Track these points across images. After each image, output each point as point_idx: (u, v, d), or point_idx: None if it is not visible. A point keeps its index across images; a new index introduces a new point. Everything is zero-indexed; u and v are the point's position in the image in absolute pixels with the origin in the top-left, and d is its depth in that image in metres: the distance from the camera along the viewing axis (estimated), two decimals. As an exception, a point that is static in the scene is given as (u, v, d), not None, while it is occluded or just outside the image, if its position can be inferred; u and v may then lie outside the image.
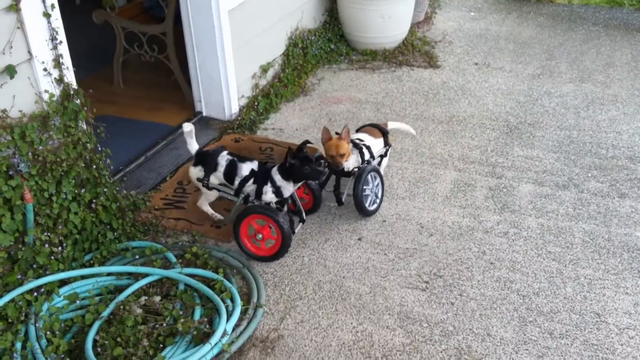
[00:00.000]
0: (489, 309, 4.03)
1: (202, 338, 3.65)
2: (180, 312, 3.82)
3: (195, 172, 4.51)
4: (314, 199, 4.83)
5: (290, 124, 6.26)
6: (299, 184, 4.42)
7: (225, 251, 4.52)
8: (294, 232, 4.51)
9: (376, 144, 4.95)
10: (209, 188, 4.52)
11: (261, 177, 4.32)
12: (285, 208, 4.50)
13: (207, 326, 3.75)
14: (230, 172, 4.37)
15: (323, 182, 4.91)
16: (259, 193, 4.33)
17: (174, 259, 4.31)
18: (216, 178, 4.46)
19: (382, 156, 5.05)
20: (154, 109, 6.45)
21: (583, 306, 4.03)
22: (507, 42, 8.14)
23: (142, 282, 4.08)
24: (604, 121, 6.16)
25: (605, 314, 3.97)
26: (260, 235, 4.34)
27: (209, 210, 4.77)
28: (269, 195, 4.31)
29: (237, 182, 4.37)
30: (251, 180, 4.33)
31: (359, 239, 4.67)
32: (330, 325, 3.95)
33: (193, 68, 6.13)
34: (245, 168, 4.35)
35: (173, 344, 3.64)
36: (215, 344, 3.58)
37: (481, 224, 4.77)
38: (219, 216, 4.78)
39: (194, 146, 4.52)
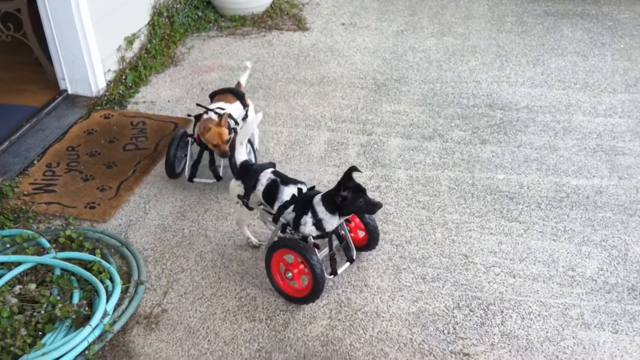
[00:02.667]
0: (365, 262, 4.20)
1: (82, 321, 3.60)
2: (58, 298, 3.73)
3: (235, 187, 4.00)
4: (369, 233, 4.11)
5: (162, 96, 6.15)
6: (346, 217, 3.79)
7: (101, 231, 4.44)
8: (336, 273, 3.93)
9: (234, 109, 4.80)
10: (249, 208, 4.01)
11: (301, 204, 3.72)
12: (335, 242, 3.94)
13: (87, 309, 3.69)
14: (271, 193, 3.82)
15: (197, 159, 4.77)
16: (296, 223, 3.72)
17: (47, 245, 4.19)
18: (256, 197, 3.95)
19: (244, 118, 4.92)
20: (15, 91, 6.15)
21: (452, 249, 4.29)
22: (372, 0, 8.31)
23: (15, 271, 3.94)
24: (464, 72, 6.48)
25: (472, 254, 4.25)
26: (289, 274, 3.79)
27: (246, 232, 4.31)
28: (308, 227, 3.69)
29: (276, 206, 3.80)
30: (291, 207, 3.76)
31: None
32: (214, 294, 3.99)
33: (52, 44, 5.87)
34: (287, 192, 3.77)
35: (53, 331, 3.57)
36: (97, 326, 3.55)
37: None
38: (256, 242, 4.32)
39: (241, 156, 4.02)
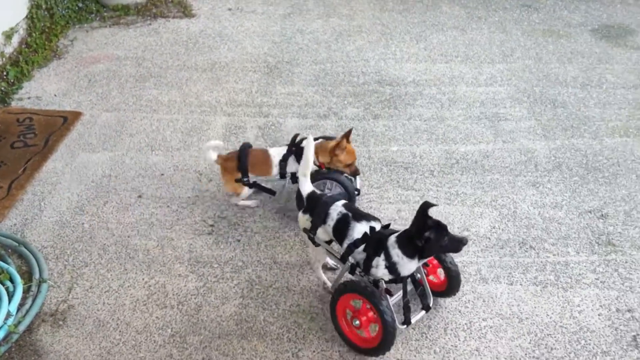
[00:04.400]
0: (272, 239, 4.27)
1: (-16, 325, 3.46)
2: (-45, 304, 3.56)
3: (303, 220, 3.63)
4: (450, 277, 3.62)
5: (48, 91, 5.92)
6: (426, 260, 3.31)
7: (-4, 233, 4.26)
8: (409, 323, 3.44)
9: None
10: (315, 243, 3.61)
11: (373, 245, 3.26)
12: (410, 287, 3.48)
13: (-11, 312, 3.55)
14: (340, 229, 3.42)
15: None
16: (367, 266, 3.28)
17: (-63, 251, 3.97)
18: (325, 233, 3.55)
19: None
20: None
21: (354, 220, 4.43)
22: (257, -15, 8.35)
23: None
24: (352, 51, 6.64)
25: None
26: (357, 321, 3.40)
27: (322, 276, 3.89)
28: (380, 271, 3.25)
29: (345, 244, 3.39)
30: (362, 246, 3.33)
31: (139, 197, 4.64)
32: (122, 285, 3.94)
33: None
34: (359, 229, 3.35)
35: (-48, 339, 3.41)
36: (0, 327, 3.41)
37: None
38: (329, 285, 3.88)
39: (306, 187, 3.66)
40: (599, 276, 3.95)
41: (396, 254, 3.17)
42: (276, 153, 4.29)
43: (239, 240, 4.26)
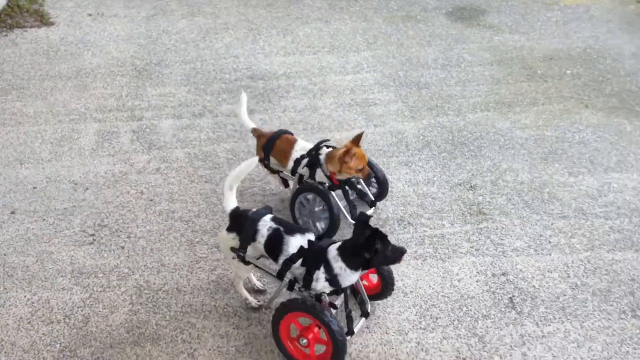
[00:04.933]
0: (157, 242, 4.22)
1: None
2: None
3: (228, 239, 3.45)
4: (384, 279, 3.60)
5: None
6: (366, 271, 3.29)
7: None
8: (352, 333, 3.37)
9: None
10: (245, 262, 3.47)
11: (313, 259, 3.16)
12: (340, 299, 3.38)
13: None
14: (273, 245, 3.30)
15: (347, 198, 4.15)
16: (308, 280, 3.17)
17: None
18: (255, 249, 3.41)
19: None
20: None
21: (239, 215, 4.46)
22: (117, -13, 8.14)
23: None
24: (221, 49, 6.65)
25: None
26: (305, 340, 3.26)
27: (243, 293, 3.74)
28: (320, 284, 3.16)
29: (281, 260, 3.27)
30: (299, 262, 3.22)
31: (12, 213, 4.44)
32: (2, 305, 3.76)
33: None
34: (294, 243, 3.24)
35: None
36: None
37: (133, 166, 4.89)
38: (255, 303, 3.76)
39: (230, 203, 3.45)
40: (473, 244, 4.21)
41: (339, 266, 3.10)
42: (299, 148, 4.16)
43: (122, 247, 4.18)
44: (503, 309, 3.74)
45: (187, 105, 5.68)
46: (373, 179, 4.29)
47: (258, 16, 7.39)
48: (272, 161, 4.28)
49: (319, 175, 4.05)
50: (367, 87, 5.98)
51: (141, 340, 3.58)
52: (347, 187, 4.15)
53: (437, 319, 3.68)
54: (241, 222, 3.38)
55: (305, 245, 3.20)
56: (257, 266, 3.47)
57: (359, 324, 3.50)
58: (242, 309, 3.75)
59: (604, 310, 3.72)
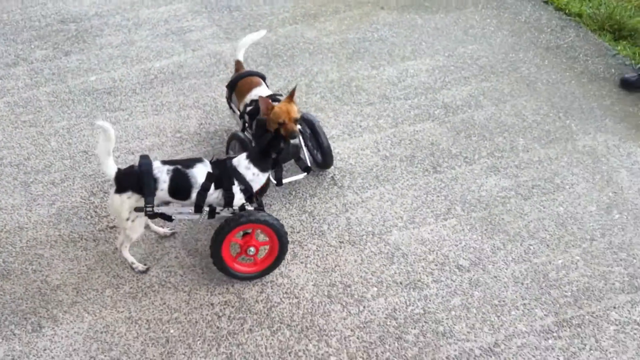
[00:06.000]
0: (-10, 189, 4.25)
1: None
2: None
3: (123, 200, 3.29)
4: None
5: None
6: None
7: None
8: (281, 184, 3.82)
9: (266, 93, 4.07)
10: (153, 216, 3.38)
11: (227, 177, 3.33)
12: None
13: None
14: (179, 185, 3.30)
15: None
16: (229, 198, 3.34)
17: None
18: (157, 199, 3.32)
19: None
20: None
21: (70, 151, 4.55)
22: None
23: None
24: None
25: (91, 148, 4.56)
26: (252, 249, 3.48)
27: (130, 257, 3.68)
28: (237, 197, 3.36)
29: (194, 194, 3.31)
30: (212, 187, 3.32)
31: None
32: None
33: None
34: (199, 174, 3.31)
35: None
36: None
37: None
38: (142, 267, 3.71)
39: (110, 167, 3.28)
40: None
41: (251, 173, 3.35)
42: (254, 94, 4.02)
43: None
44: (327, 187, 4.20)
45: (-3, 56, 5.56)
46: (314, 147, 4.22)
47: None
48: (234, 99, 4.27)
49: None
50: (181, 15, 6.13)
51: (-10, 278, 3.67)
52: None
53: (270, 205, 4.06)
54: (130, 180, 3.30)
55: (210, 171, 3.33)
56: (164, 215, 3.44)
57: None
58: (87, 233, 3.92)
59: (410, 172, 4.31)
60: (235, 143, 4.02)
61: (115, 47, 5.66)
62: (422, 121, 4.75)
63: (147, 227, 3.81)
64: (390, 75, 5.24)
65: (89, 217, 4.04)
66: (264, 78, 4.24)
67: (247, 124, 4.03)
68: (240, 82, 4.18)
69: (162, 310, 3.49)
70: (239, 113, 4.15)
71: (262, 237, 3.62)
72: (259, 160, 3.38)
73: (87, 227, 3.97)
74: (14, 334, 3.38)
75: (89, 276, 3.67)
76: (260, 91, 4.05)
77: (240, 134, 3.95)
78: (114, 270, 3.70)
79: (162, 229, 3.87)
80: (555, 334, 3.33)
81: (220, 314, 3.46)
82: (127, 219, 3.37)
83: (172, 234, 3.91)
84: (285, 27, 5.94)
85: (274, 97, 3.93)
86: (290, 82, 5.19)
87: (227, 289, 3.59)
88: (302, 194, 4.15)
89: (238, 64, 4.37)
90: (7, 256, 3.80)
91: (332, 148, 4.19)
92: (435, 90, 5.08)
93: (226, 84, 4.33)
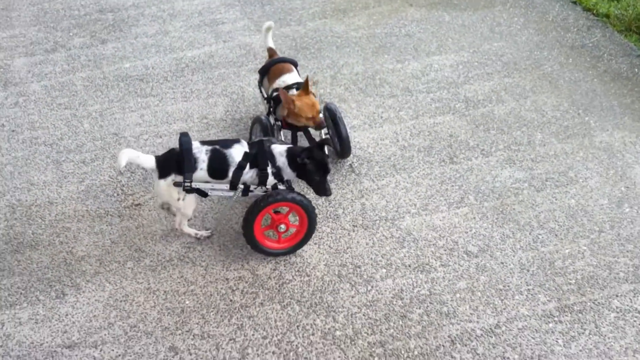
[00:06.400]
0: (25, 166, 4.46)
1: None
2: None
3: (168, 183, 3.47)
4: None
5: None
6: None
7: None
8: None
9: (296, 79, 4.27)
10: (191, 190, 3.52)
11: (262, 157, 3.49)
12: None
13: None
14: (218, 164, 3.47)
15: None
16: (264, 177, 3.51)
17: None
18: (196, 179, 3.48)
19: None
20: None
21: (102, 133, 4.76)
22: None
23: None
24: (67, -12, 6.75)
25: (122, 131, 4.77)
26: (283, 226, 3.65)
27: (191, 231, 3.87)
28: (270, 177, 3.53)
29: (231, 172, 3.49)
30: (248, 166, 3.49)
31: None
32: None
33: None
34: (236, 153, 3.48)
35: None
36: None
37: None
38: (205, 233, 3.92)
39: (148, 158, 3.46)
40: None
41: (282, 161, 3.50)
42: (282, 80, 4.19)
43: (-10, 173, 4.40)
44: (345, 174, 4.32)
45: (38, 43, 5.81)
46: (333, 136, 4.29)
47: (101, -44, 7.48)
48: (265, 84, 4.40)
49: (279, 112, 4.15)
50: (214, 8, 6.32)
51: (20, 248, 3.87)
52: (296, 134, 4.18)
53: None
54: (171, 163, 3.45)
55: (247, 151, 3.49)
56: (200, 191, 3.55)
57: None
58: (113, 209, 4.11)
59: (427, 162, 4.39)
60: (257, 126, 4.15)
61: (149, 37, 5.87)
62: (442, 114, 4.83)
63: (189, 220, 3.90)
64: (415, 70, 5.33)
65: (115, 194, 4.22)
66: (295, 65, 4.39)
67: (271, 109, 4.17)
68: (272, 67, 4.31)
69: (179, 282, 3.64)
70: (266, 96, 4.29)
71: (292, 220, 3.75)
72: (291, 155, 3.52)
73: (113, 204, 4.15)
74: (39, 300, 3.57)
75: (112, 249, 3.85)
76: (291, 77, 4.20)
77: (263, 118, 4.09)
78: (136, 245, 3.87)
79: (199, 231, 3.92)
80: (556, 319, 3.38)
81: (234, 288, 3.60)
82: (178, 199, 3.53)
83: (210, 236, 3.95)
84: (315, 21, 6.08)
85: (298, 85, 4.07)
86: (315, 73, 5.31)
87: (242, 265, 3.73)
88: (320, 179, 4.27)
89: (271, 50, 4.51)
90: (36, 228, 4.00)
91: (351, 138, 4.31)
92: (458, 84, 5.15)
93: (258, 69, 4.46)
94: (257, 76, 4.57)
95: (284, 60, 4.36)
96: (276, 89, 4.13)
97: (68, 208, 4.14)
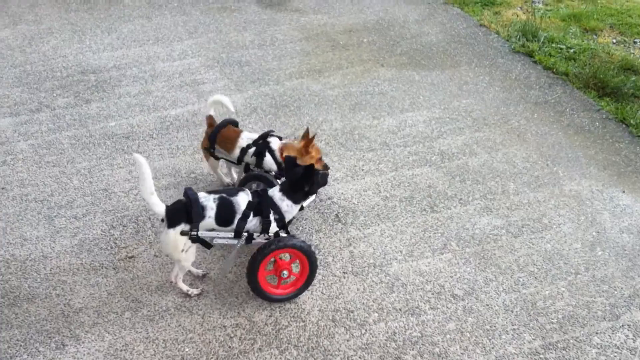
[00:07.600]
0: (16, 222, 4.54)
1: None
2: None
3: (177, 233, 3.55)
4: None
5: None
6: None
7: None
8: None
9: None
10: (196, 240, 3.60)
11: (265, 206, 3.62)
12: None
13: None
14: (225, 211, 3.59)
15: None
16: (267, 224, 3.64)
17: None
18: (203, 227, 3.59)
19: None
20: None
21: (92, 189, 4.88)
22: None
23: None
24: (49, 51, 6.92)
25: (111, 187, 4.89)
26: (285, 272, 3.78)
27: (184, 287, 3.95)
28: (272, 225, 3.66)
29: (236, 220, 3.61)
30: (251, 214, 3.62)
31: None
32: None
33: None
34: (242, 201, 3.62)
35: None
36: None
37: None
38: (196, 291, 3.99)
39: (158, 205, 3.54)
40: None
41: (286, 204, 3.68)
42: (246, 137, 4.37)
43: (-17, 229, 4.46)
44: (331, 223, 4.52)
45: (22, 103, 5.94)
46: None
47: (80, 19, 7.70)
48: (217, 149, 4.50)
49: (268, 163, 4.31)
50: (194, 69, 6.57)
51: (17, 302, 3.93)
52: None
53: (278, 241, 4.36)
54: (180, 213, 3.54)
55: (250, 199, 3.64)
56: (204, 242, 3.65)
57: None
58: (107, 262, 4.20)
59: (409, 211, 4.64)
60: (254, 183, 4.29)
61: (133, 97, 6.06)
62: (420, 166, 5.12)
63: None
64: (390, 125, 5.64)
65: (109, 247, 4.33)
66: (236, 124, 4.56)
67: (255, 164, 4.36)
68: (222, 130, 4.44)
69: (177, 331, 3.74)
70: (233, 158, 4.42)
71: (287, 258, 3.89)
72: (292, 193, 3.70)
73: (107, 257, 4.25)
74: (39, 351, 3.62)
75: (109, 300, 3.94)
76: (248, 134, 4.41)
77: (257, 173, 4.28)
78: (133, 295, 3.97)
79: (190, 288, 4.00)
80: (542, 356, 3.60)
81: (232, 335, 3.72)
82: (182, 250, 3.61)
83: (204, 275, 4.11)
84: (292, 80, 6.37)
85: (266, 135, 4.34)
86: (297, 129, 5.56)
87: (238, 312, 3.85)
88: (309, 229, 4.46)
89: (210, 119, 4.57)
90: (32, 282, 4.07)
91: (335, 190, 4.58)
92: (432, 139, 5.46)
93: (202, 143, 4.62)
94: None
95: (228, 122, 4.49)
96: (248, 145, 4.31)
97: (62, 262, 4.22)
